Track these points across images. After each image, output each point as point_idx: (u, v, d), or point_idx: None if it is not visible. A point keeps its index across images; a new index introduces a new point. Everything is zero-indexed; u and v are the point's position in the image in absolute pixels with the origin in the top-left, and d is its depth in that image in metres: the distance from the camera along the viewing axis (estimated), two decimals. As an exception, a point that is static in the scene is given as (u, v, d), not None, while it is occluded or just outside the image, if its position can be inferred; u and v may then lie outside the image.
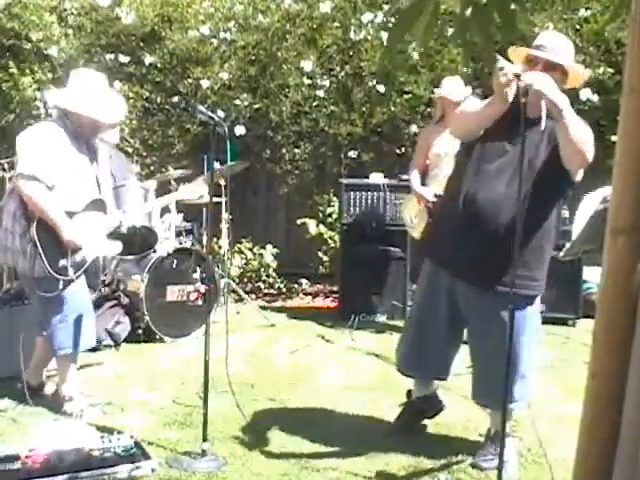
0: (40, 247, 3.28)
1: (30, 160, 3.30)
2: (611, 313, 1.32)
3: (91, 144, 3.57)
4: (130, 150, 6.50)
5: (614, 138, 1.34)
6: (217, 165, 4.87)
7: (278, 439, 3.24)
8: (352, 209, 5.71)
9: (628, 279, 1.28)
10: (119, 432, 3.04)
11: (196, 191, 4.32)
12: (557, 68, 2.83)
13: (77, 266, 3.40)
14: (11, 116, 6.17)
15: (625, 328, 1.28)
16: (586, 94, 6.00)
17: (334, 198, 6.51)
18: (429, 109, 6.14)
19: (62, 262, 3.35)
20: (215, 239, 6.02)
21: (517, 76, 2.59)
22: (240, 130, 6.31)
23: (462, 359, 4.34)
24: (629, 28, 1.28)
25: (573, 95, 5.76)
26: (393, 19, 5.67)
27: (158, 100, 6.65)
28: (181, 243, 5.26)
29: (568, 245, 2.63)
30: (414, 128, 6.31)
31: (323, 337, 5.14)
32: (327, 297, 6.56)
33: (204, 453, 2.96)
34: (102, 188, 3.61)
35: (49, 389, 3.75)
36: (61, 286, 3.36)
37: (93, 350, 4.34)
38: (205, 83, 6.38)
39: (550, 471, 2.81)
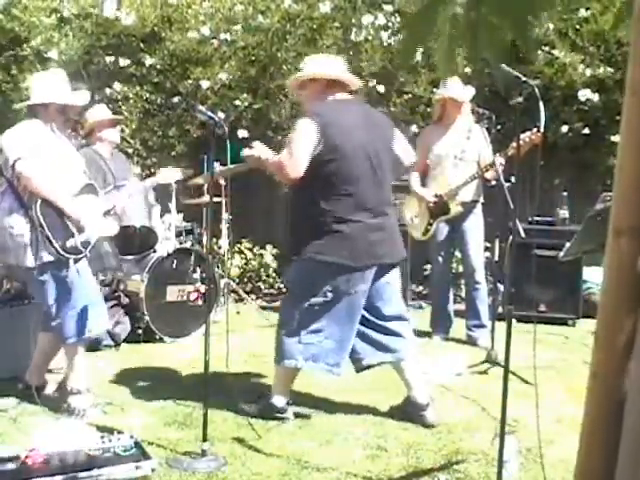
0: (46, 229, 3.29)
1: (21, 145, 3.33)
2: (613, 313, 1.32)
3: (70, 141, 3.66)
4: (130, 151, 6.50)
5: (614, 138, 1.35)
6: (217, 165, 4.87)
7: (278, 439, 3.25)
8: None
9: (630, 279, 1.28)
10: (119, 432, 3.04)
11: (173, 174, 4.41)
12: (316, 79, 3.41)
13: (83, 245, 3.43)
14: (11, 115, 6.17)
15: (627, 328, 1.28)
16: (585, 94, 6.01)
17: (334, 198, 6.50)
18: (429, 109, 6.14)
19: (70, 242, 3.36)
20: (215, 239, 6.03)
21: None
22: (242, 133, 6.31)
23: (462, 359, 4.36)
24: (632, 30, 1.28)
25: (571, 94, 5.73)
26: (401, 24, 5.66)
27: (158, 101, 6.65)
28: (181, 243, 5.26)
29: (568, 245, 2.63)
30: (414, 128, 6.31)
31: (323, 337, 5.13)
32: (327, 297, 6.56)
33: (204, 453, 2.96)
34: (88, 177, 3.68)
35: (50, 389, 3.75)
36: (72, 265, 3.38)
37: (93, 350, 4.35)
38: (205, 84, 6.38)
39: (543, 471, 2.80)
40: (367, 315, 3.46)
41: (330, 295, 3.31)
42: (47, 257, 3.32)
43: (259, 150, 3.46)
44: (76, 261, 3.41)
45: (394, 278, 3.53)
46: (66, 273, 3.39)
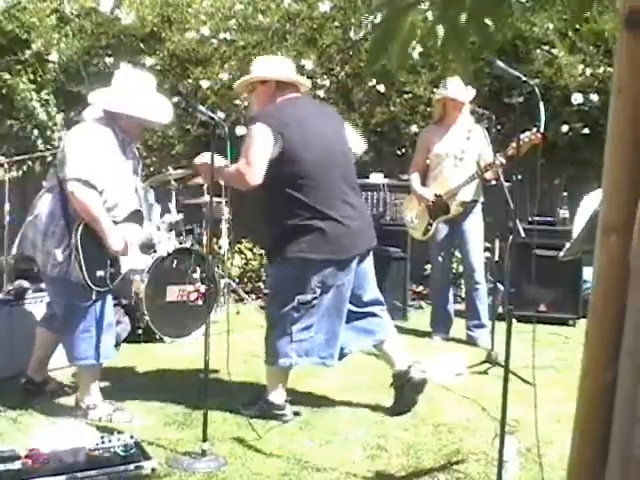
0: (81, 255, 3.18)
1: (84, 163, 3.18)
2: (603, 311, 1.33)
3: (134, 153, 3.50)
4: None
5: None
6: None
7: (278, 439, 3.24)
8: (352, 209, 5.70)
9: (619, 277, 1.28)
10: (119, 432, 3.04)
11: (218, 211, 4.31)
12: (266, 81, 3.45)
13: (112, 277, 3.34)
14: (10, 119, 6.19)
15: (616, 326, 1.29)
16: (577, 98, 6.01)
17: (334, 198, 6.50)
18: (429, 109, 6.14)
19: (100, 273, 3.27)
20: (215, 239, 6.02)
21: None
22: (241, 131, 6.31)
23: (462, 359, 4.36)
24: (618, 27, 1.29)
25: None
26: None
27: (158, 101, 6.65)
28: (181, 243, 5.26)
29: (568, 245, 2.63)
30: (414, 128, 6.31)
31: (323, 337, 5.14)
32: (327, 297, 6.55)
33: (204, 453, 2.96)
34: (140, 199, 3.55)
35: (51, 388, 3.74)
36: (94, 297, 3.29)
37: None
38: (205, 83, 6.38)
39: (541, 471, 2.81)
40: (348, 305, 3.50)
41: (318, 291, 3.34)
42: (72, 278, 3.23)
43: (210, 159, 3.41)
44: (99, 293, 3.31)
45: (370, 264, 3.58)
46: (87, 302, 3.30)
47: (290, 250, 3.30)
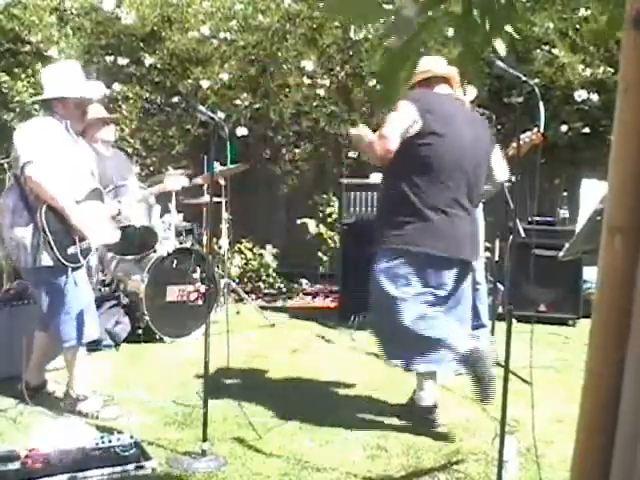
0: (49, 235, 3.27)
1: (33, 148, 3.30)
2: (607, 312, 1.32)
3: (82, 140, 3.63)
4: (130, 151, 6.50)
5: (614, 138, 1.35)
6: (217, 165, 4.88)
7: (278, 439, 3.24)
8: (352, 209, 5.71)
9: (624, 278, 1.28)
10: (119, 432, 3.04)
11: (180, 181, 4.39)
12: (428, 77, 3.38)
13: (83, 253, 3.41)
14: (10, 115, 6.17)
15: (621, 326, 1.28)
16: (581, 94, 6.01)
17: (334, 198, 6.51)
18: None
19: (70, 250, 3.34)
20: (215, 239, 6.02)
21: None
22: (242, 131, 6.32)
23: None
24: (623, 29, 1.29)
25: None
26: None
27: (158, 101, 6.65)
28: (181, 243, 5.26)
29: (568, 245, 2.63)
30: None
31: (323, 337, 5.14)
32: (327, 297, 6.56)
33: (204, 453, 2.96)
34: (97, 180, 3.65)
35: (50, 388, 3.75)
36: (70, 273, 3.36)
37: (93, 350, 4.35)
38: (205, 83, 6.38)
39: (539, 471, 2.80)
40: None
41: (446, 289, 3.26)
42: (46, 262, 3.31)
43: (363, 130, 3.41)
44: (74, 269, 3.39)
45: (468, 280, 3.45)
46: (64, 280, 3.37)
47: (394, 241, 3.23)
